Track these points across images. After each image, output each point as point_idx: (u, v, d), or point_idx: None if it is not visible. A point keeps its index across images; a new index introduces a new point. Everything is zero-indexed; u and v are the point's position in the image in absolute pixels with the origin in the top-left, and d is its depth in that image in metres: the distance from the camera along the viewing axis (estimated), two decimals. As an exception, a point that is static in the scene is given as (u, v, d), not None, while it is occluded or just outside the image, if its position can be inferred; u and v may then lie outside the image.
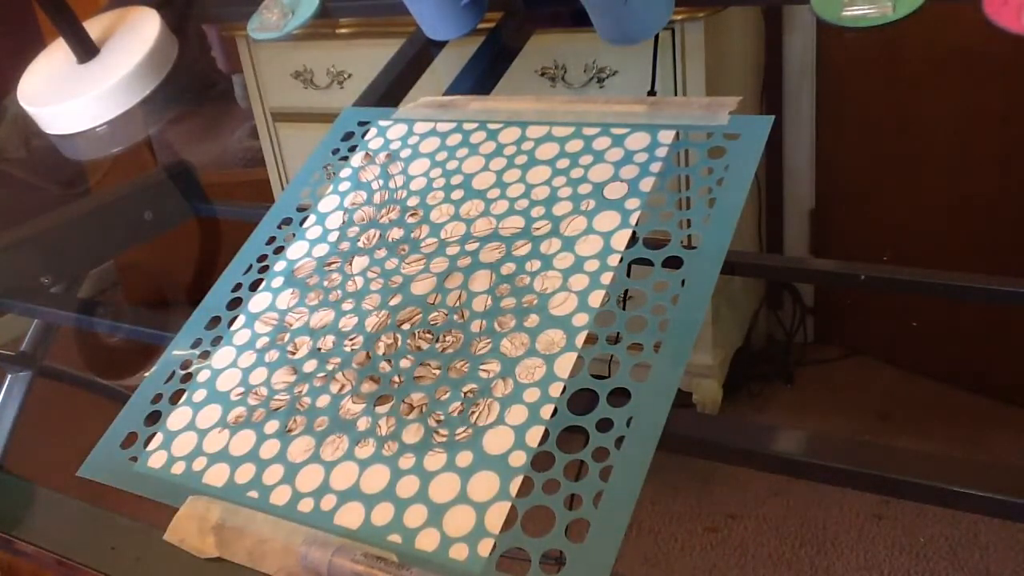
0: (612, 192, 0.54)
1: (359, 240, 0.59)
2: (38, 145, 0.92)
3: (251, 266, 0.60)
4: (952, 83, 1.48)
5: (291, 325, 0.55)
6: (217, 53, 1.85)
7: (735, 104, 0.57)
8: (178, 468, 0.50)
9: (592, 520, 0.40)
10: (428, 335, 0.51)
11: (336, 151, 0.66)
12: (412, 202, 0.60)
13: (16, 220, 0.82)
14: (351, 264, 0.58)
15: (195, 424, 0.52)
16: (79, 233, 0.84)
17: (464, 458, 0.44)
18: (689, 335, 0.46)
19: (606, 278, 0.50)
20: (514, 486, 0.43)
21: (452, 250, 0.56)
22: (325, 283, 0.57)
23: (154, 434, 0.52)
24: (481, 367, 0.48)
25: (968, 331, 1.56)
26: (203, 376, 0.54)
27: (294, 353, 0.54)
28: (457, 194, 0.59)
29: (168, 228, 0.90)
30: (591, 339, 0.48)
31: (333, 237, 0.60)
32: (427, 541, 0.42)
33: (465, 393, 0.47)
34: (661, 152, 0.56)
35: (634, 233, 0.52)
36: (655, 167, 0.55)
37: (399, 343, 0.51)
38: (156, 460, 0.51)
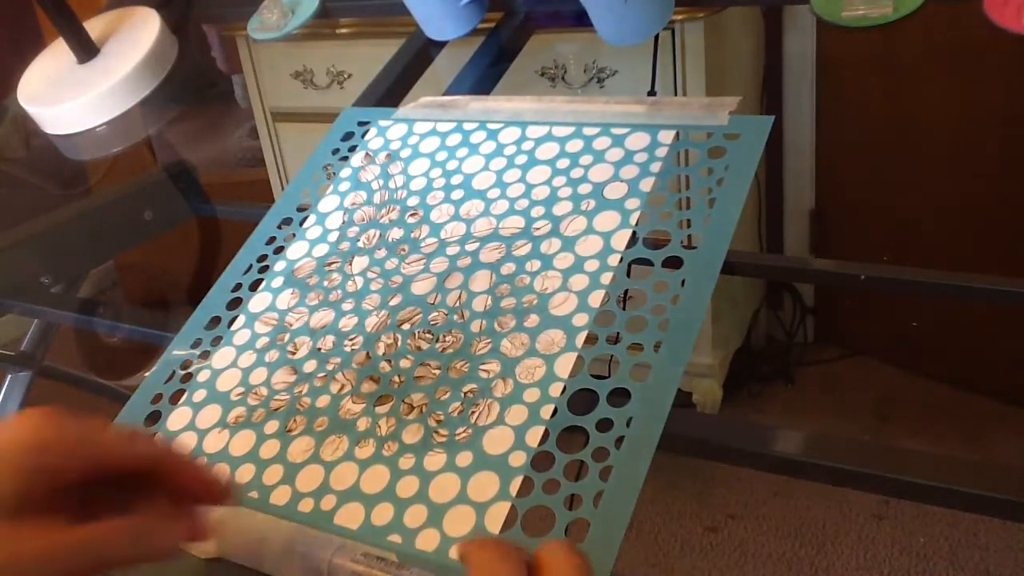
0: (612, 192, 0.54)
1: (359, 240, 0.59)
2: (38, 145, 0.92)
3: (251, 266, 0.60)
4: (952, 83, 1.48)
5: (291, 325, 0.55)
6: (217, 53, 1.86)
7: (735, 104, 0.57)
8: (178, 468, 0.50)
9: (592, 520, 0.40)
10: (428, 335, 0.51)
11: (336, 151, 0.66)
12: (412, 202, 0.60)
13: (16, 220, 0.82)
14: (351, 264, 0.58)
15: (195, 424, 0.52)
16: (79, 233, 0.84)
17: (464, 458, 0.44)
18: (689, 335, 0.46)
19: (606, 278, 0.50)
20: (514, 486, 0.43)
21: (452, 250, 0.55)
22: (325, 283, 0.57)
23: (154, 434, 0.52)
24: (481, 367, 0.48)
25: (968, 331, 1.56)
26: (203, 376, 0.54)
27: (294, 353, 0.54)
28: (457, 194, 0.59)
29: (168, 228, 0.90)
30: (591, 339, 0.47)
31: (333, 237, 0.60)
32: (427, 541, 0.42)
33: (465, 393, 0.47)
34: (661, 152, 0.56)
35: (634, 233, 0.52)
36: (655, 167, 0.55)
37: (399, 343, 0.51)
38: (156, 460, 0.51)
